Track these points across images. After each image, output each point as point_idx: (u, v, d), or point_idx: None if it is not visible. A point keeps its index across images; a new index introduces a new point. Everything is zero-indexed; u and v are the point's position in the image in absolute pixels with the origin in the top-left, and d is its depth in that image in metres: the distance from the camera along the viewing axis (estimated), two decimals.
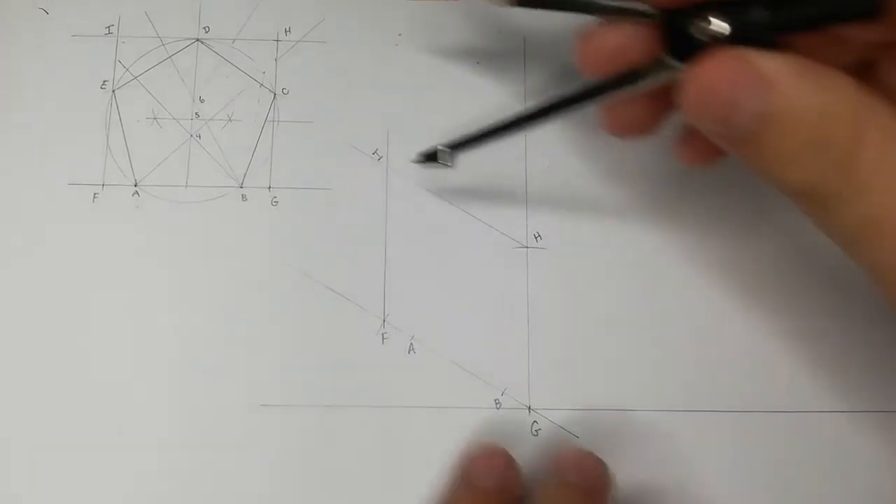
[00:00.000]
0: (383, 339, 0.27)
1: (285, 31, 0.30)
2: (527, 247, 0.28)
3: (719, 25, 0.16)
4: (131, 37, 0.30)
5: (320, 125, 0.29)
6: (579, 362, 0.27)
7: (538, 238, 0.28)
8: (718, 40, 0.17)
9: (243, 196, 0.28)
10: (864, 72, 0.19)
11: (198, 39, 0.30)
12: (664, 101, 0.18)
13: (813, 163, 0.17)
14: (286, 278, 0.28)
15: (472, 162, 0.26)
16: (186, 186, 0.28)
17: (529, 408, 0.27)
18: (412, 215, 0.28)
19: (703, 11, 0.17)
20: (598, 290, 0.28)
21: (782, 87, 0.16)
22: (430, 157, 0.25)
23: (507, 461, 0.24)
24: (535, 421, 0.27)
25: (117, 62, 0.29)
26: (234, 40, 0.30)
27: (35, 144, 0.28)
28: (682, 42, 0.17)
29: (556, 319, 0.28)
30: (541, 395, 0.27)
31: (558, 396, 0.27)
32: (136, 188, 0.28)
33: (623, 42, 0.19)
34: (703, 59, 0.17)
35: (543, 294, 0.28)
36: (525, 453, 0.26)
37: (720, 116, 0.17)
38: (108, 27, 0.30)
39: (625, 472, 0.26)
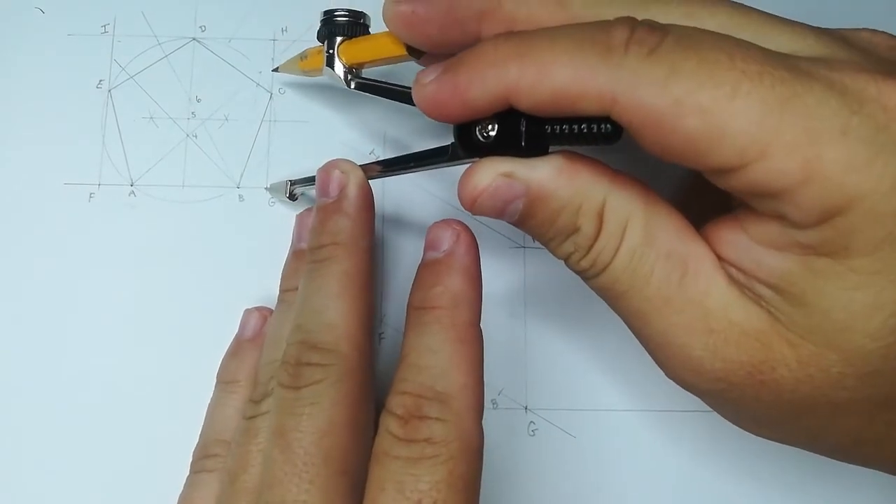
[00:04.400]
0: (380, 339, 0.27)
1: (282, 31, 0.30)
2: (524, 246, 0.28)
3: (495, 131, 0.20)
4: (127, 36, 0.29)
5: (316, 125, 0.29)
6: (576, 362, 0.27)
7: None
8: (494, 144, 0.20)
9: (240, 196, 0.28)
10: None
11: (194, 39, 0.30)
12: None
13: (567, 244, 0.20)
14: None
15: None
16: (183, 186, 0.28)
17: (526, 407, 0.27)
18: (408, 215, 0.28)
19: (486, 121, 0.20)
20: None
21: (535, 188, 0.19)
22: (278, 190, 0.28)
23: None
24: (531, 421, 0.27)
25: (113, 61, 0.29)
26: (231, 40, 0.30)
27: (31, 144, 0.28)
28: (471, 140, 0.20)
29: (553, 319, 0.28)
30: (537, 394, 0.27)
31: (555, 396, 0.27)
32: (133, 188, 0.28)
33: None
34: (473, 166, 0.20)
35: (540, 294, 0.28)
36: (522, 453, 0.26)
37: (491, 214, 0.20)
38: (104, 26, 0.29)
39: (622, 472, 0.26)
